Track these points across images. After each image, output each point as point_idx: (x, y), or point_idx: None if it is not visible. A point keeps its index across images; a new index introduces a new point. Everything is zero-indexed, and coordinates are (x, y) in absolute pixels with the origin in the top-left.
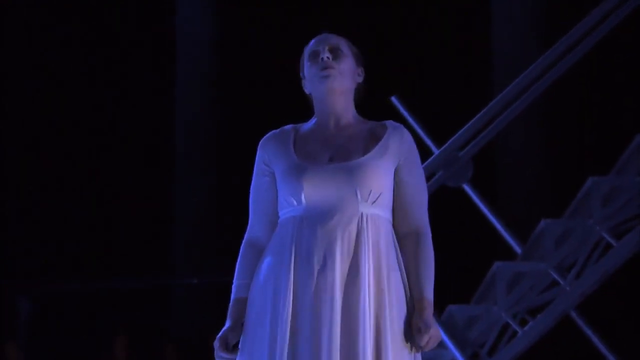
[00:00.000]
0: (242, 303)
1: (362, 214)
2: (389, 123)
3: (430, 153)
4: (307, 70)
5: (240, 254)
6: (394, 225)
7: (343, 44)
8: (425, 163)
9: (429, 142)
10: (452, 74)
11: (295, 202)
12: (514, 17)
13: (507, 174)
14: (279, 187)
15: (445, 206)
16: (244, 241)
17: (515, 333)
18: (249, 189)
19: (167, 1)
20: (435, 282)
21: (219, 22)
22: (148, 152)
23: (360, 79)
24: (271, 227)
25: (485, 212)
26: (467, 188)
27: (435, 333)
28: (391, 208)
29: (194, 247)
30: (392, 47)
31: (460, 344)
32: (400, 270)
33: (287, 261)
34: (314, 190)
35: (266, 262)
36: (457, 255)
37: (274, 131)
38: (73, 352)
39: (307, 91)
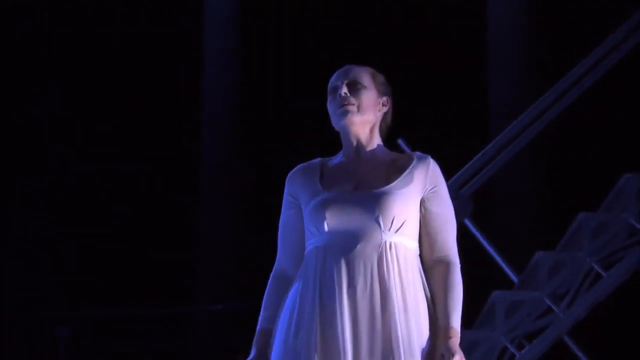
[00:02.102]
0: (267, 333)
1: (385, 242)
2: (416, 154)
3: None
4: (328, 105)
5: (267, 286)
6: (422, 254)
7: (364, 76)
8: None
9: None
10: (453, 120)
11: (318, 232)
12: (509, 65)
13: (504, 209)
14: (305, 218)
15: None
16: (272, 274)
17: (513, 357)
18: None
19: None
20: None
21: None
22: (172, 181)
23: (385, 109)
24: (298, 260)
25: (484, 244)
26: (467, 223)
27: None
28: (417, 237)
29: (217, 273)
30: (400, 93)
31: None
32: (426, 297)
33: (311, 293)
34: (336, 218)
35: (291, 294)
36: None
37: (301, 165)
38: None
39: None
